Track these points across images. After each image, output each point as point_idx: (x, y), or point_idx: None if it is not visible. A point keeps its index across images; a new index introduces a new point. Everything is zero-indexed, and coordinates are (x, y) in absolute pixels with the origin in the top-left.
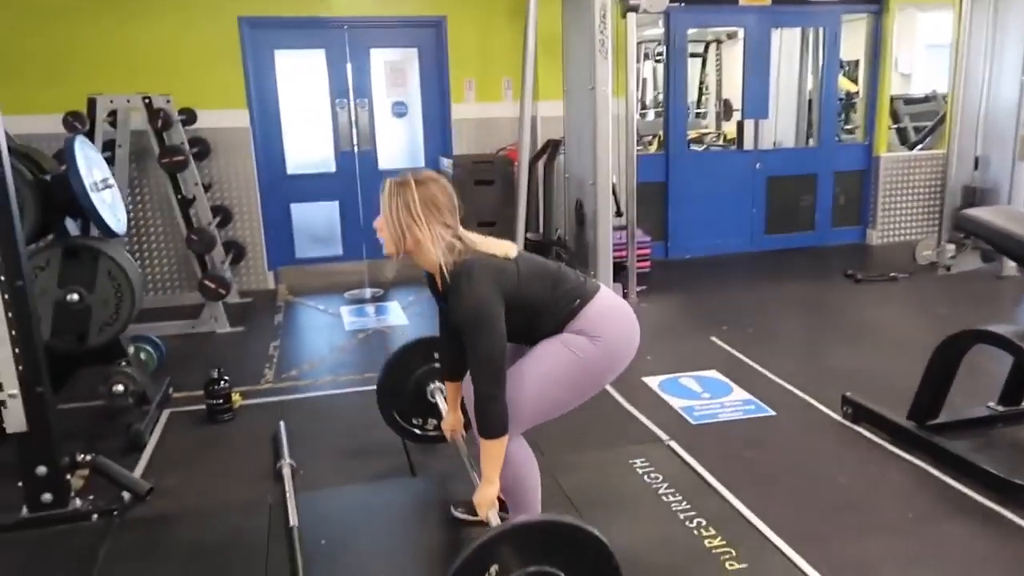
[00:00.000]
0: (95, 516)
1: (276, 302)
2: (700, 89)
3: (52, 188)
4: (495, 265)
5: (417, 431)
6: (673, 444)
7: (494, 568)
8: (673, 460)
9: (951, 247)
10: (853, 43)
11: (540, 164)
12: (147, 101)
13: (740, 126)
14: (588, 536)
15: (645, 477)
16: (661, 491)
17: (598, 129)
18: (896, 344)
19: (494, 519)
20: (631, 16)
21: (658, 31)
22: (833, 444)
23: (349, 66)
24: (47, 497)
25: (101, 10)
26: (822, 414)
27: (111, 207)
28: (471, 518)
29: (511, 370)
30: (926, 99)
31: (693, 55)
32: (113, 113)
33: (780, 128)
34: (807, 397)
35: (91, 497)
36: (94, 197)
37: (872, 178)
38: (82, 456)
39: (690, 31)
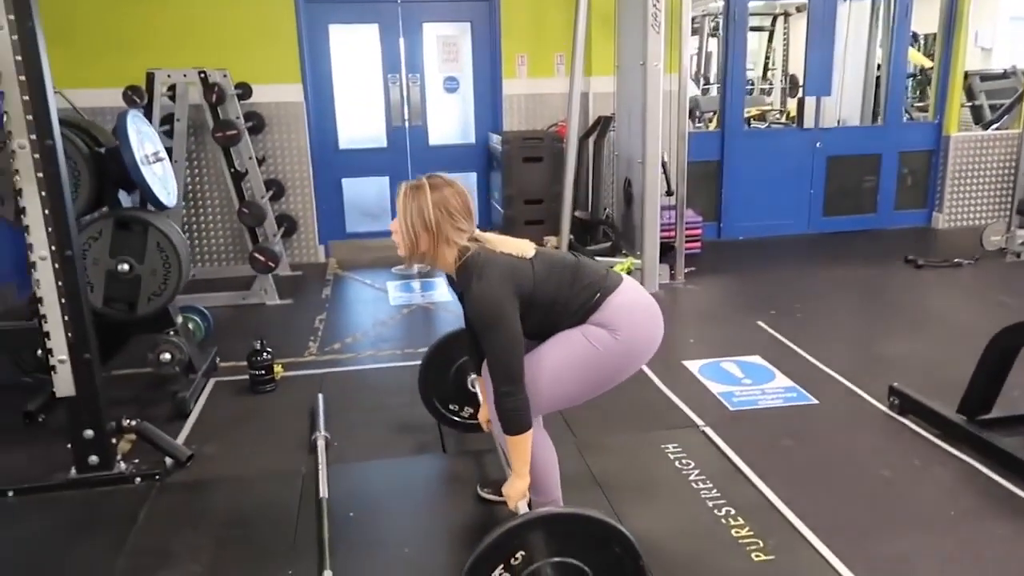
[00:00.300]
0: (138, 479)
1: (325, 275)
2: (766, 64)
3: (106, 161)
4: (509, 264)
5: (456, 418)
6: (708, 430)
7: (520, 554)
8: (707, 446)
9: (1022, 233)
10: (929, 15)
11: (590, 141)
12: (203, 76)
13: (800, 103)
14: (617, 533)
15: (676, 463)
16: (692, 477)
17: (648, 106)
18: (954, 334)
19: (523, 510)
20: None
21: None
22: (877, 436)
23: (402, 41)
24: (93, 459)
25: None
26: (868, 404)
27: (162, 180)
28: (497, 498)
29: (528, 356)
30: (1004, 75)
31: (759, 29)
32: (173, 87)
33: (845, 105)
34: (853, 386)
35: (136, 461)
36: (144, 170)
37: (941, 159)
38: (128, 421)
39: (755, 3)
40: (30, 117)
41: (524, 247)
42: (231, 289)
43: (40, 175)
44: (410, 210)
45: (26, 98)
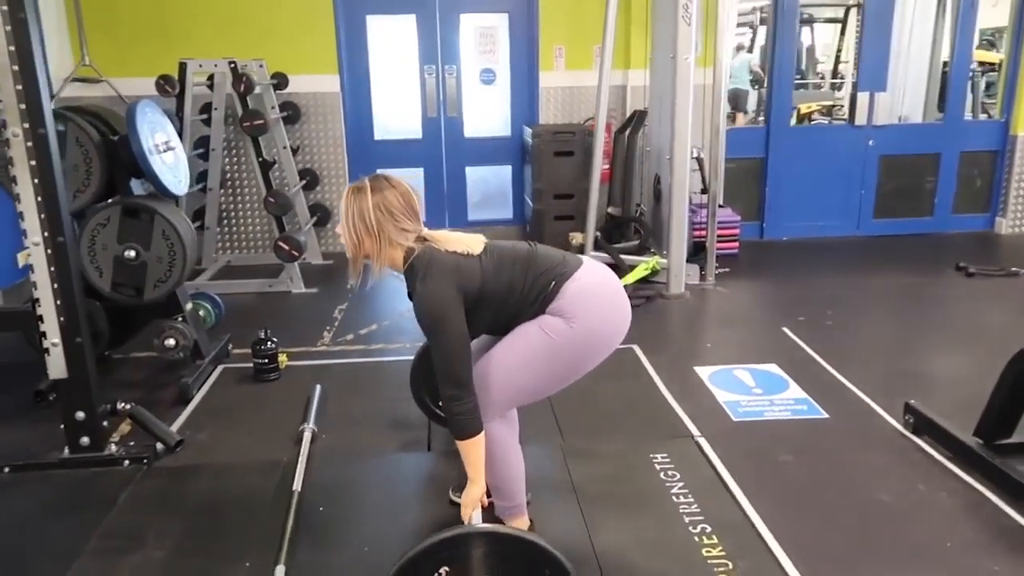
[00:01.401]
0: (127, 462)
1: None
2: (837, 57)
3: (118, 149)
4: (454, 263)
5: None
6: (703, 441)
7: (444, 570)
8: (697, 458)
9: None
10: (999, 8)
11: (625, 136)
12: (233, 66)
13: (852, 99)
14: (554, 562)
15: (662, 474)
16: (674, 490)
17: (677, 100)
18: (994, 350)
19: (475, 520)
20: None
21: None
22: (885, 456)
23: (439, 31)
24: (85, 440)
25: None
26: (882, 422)
27: (172, 169)
28: None
29: (485, 354)
30: None
31: (832, 20)
32: (211, 77)
33: (907, 102)
34: (870, 401)
35: (131, 444)
36: (153, 160)
37: (1006, 160)
38: (122, 405)
39: None
40: (23, 106)
41: (472, 243)
42: (262, 276)
43: (33, 163)
44: (352, 213)
45: (19, 87)
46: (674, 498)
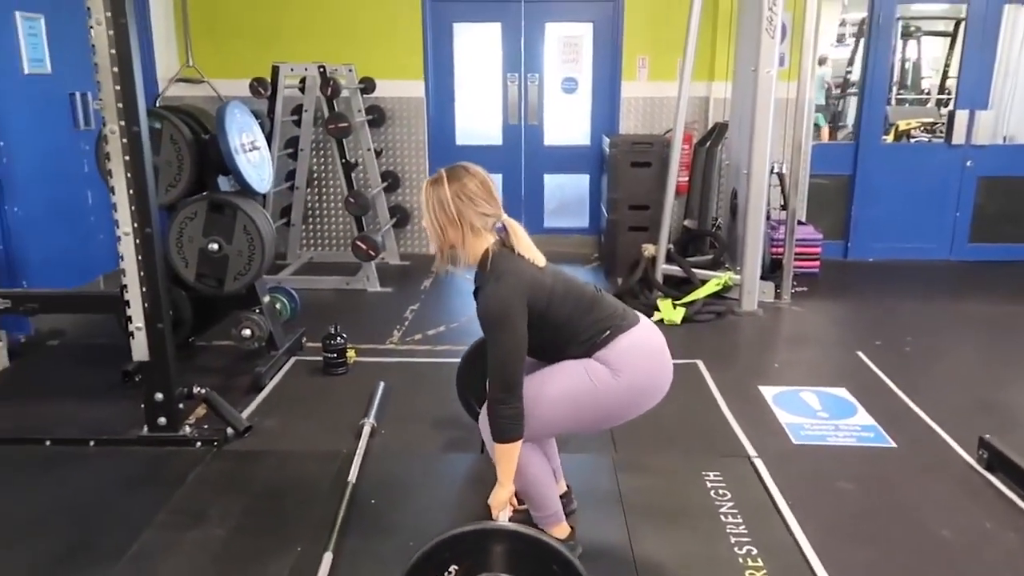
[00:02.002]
0: (198, 444)
1: (431, 267)
2: (945, 72)
3: (208, 147)
4: (529, 276)
5: None
6: (759, 462)
7: (453, 568)
8: (750, 478)
9: None
10: None
11: (705, 148)
12: (321, 70)
13: (951, 117)
14: (564, 561)
15: (712, 492)
16: (723, 509)
17: (757, 114)
18: None
19: (503, 520)
20: None
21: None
22: (951, 491)
23: (523, 40)
24: (162, 420)
25: None
26: (954, 455)
27: (256, 167)
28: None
29: (530, 376)
30: None
31: (942, 34)
32: (303, 80)
33: (1013, 122)
34: (943, 433)
35: (204, 427)
36: (238, 158)
37: None
38: (198, 389)
39: (938, 7)
40: (120, 105)
41: (537, 253)
42: (341, 274)
43: (127, 158)
44: (432, 203)
45: (118, 88)
46: (722, 517)
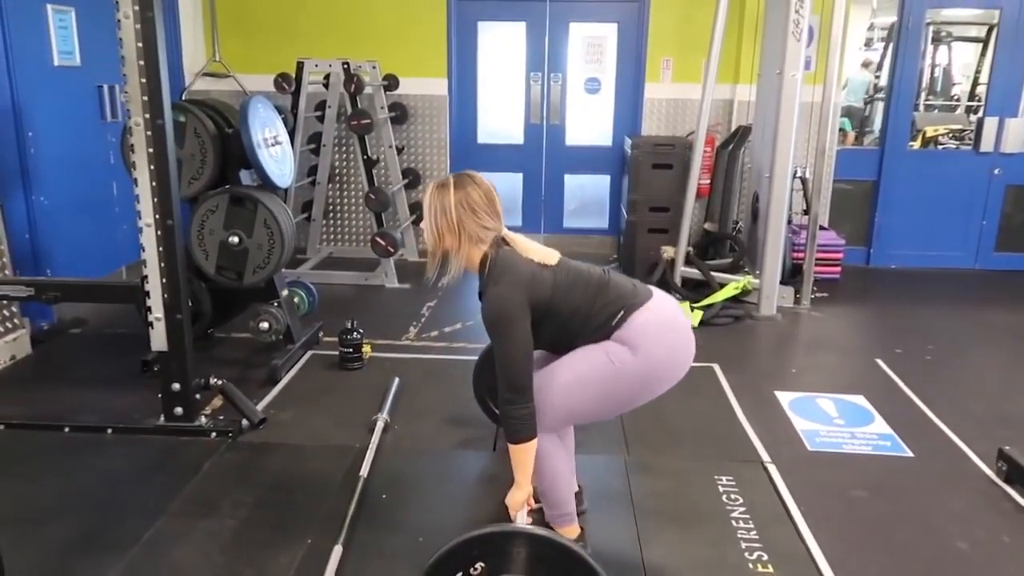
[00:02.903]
0: (214, 434)
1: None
2: (976, 79)
3: (231, 141)
4: (529, 272)
5: None
6: (772, 467)
7: (480, 565)
8: (763, 484)
9: None
10: None
11: (728, 150)
12: (346, 66)
13: (980, 124)
14: (589, 570)
15: (724, 496)
16: (735, 514)
17: (781, 118)
18: None
19: (520, 521)
20: None
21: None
22: (969, 502)
23: (547, 40)
24: (179, 410)
25: None
26: (972, 466)
27: (278, 162)
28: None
29: (544, 369)
30: None
31: (975, 40)
32: (327, 76)
33: None
34: (961, 443)
35: (220, 418)
36: (260, 153)
37: None
38: (215, 380)
39: (972, 12)
40: (145, 98)
41: (547, 254)
42: (360, 269)
43: (151, 151)
44: (435, 208)
45: (143, 80)
46: (733, 522)
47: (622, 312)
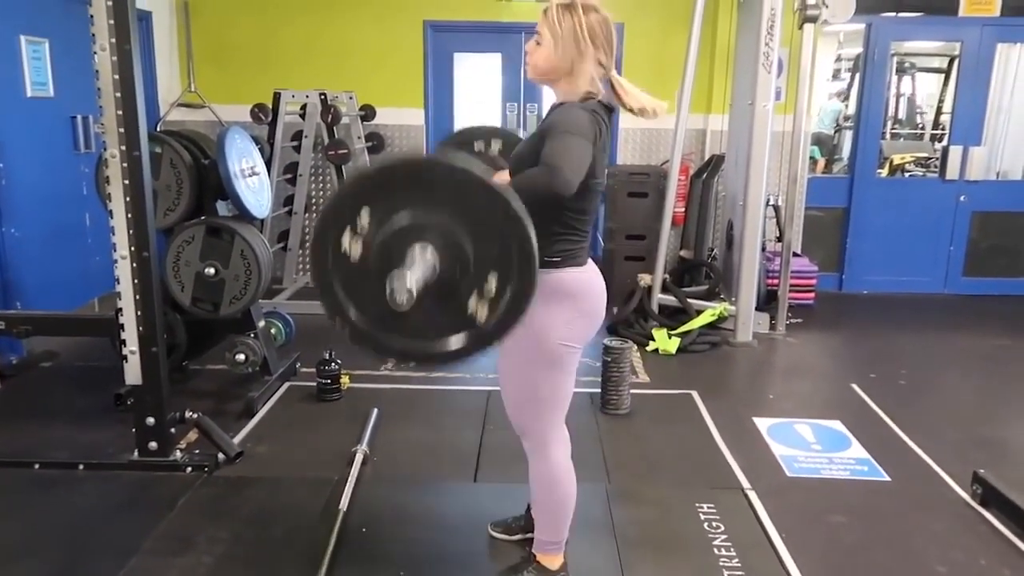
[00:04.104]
0: (189, 469)
1: None
2: (939, 108)
3: (207, 172)
4: (603, 143)
5: None
6: (752, 494)
7: (365, 210)
8: (744, 511)
9: None
10: None
11: (702, 179)
12: (322, 97)
13: (945, 152)
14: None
15: (705, 524)
16: (716, 542)
17: (753, 147)
18: None
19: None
20: (808, 28)
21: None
22: (946, 526)
23: (523, 71)
24: (153, 445)
25: (300, 10)
26: (948, 490)
27: (255, 193)
28: (505, 537)
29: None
30: None
31: (936, 70)
32: (304, 106)
33: (1007, 158)
34: (937, 467)
35: (196, 452)
36: (237, 183)
37: None
38: (190, 414)
39: (933, 44)
40: (122, 130)
41: (649, 101)
42: None
43: (126, 182)
44: (562, 24)
45: (120, 112)
46: (715, 549)
47: (580, 254)
